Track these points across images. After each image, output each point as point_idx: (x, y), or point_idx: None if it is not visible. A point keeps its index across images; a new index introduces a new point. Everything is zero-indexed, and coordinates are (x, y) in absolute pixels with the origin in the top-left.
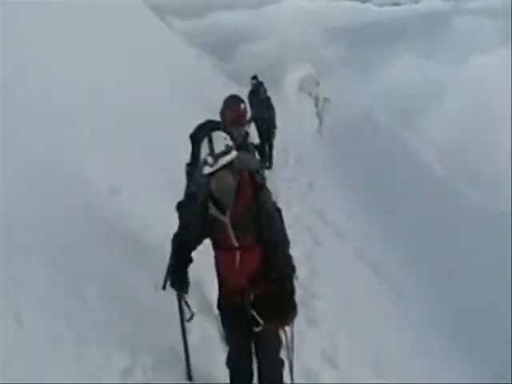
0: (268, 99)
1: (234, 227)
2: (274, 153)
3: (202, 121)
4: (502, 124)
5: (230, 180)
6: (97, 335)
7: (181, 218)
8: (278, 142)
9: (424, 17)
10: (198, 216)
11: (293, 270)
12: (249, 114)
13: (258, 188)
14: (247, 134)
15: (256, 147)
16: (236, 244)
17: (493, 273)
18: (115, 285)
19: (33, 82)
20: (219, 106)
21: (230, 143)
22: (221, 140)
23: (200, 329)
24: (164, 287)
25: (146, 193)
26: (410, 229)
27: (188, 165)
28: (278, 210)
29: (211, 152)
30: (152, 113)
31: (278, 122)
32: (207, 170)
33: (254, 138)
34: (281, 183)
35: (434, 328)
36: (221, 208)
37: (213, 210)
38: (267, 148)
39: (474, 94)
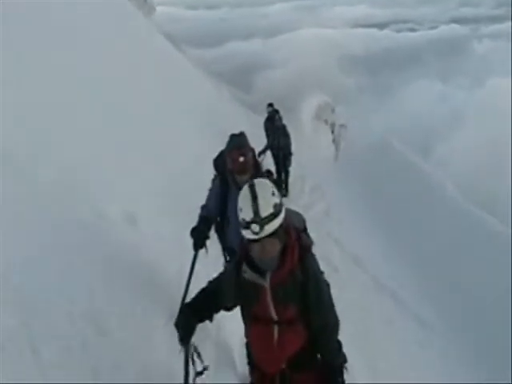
0: (284, 127)
1: (274, 295)
2: (290, 180)
3: (218, 149)
4: None
5: (276, 247)
6: (111, 369)
7: (195, 244)
8: (293, 169)
9: (441, 42)
10: (229, 282)
11: (344, 359)
12: (250, 159)
13: (305, 251)
14: (257, 167)
15: (272, 175)
16: (275, 317)
17: None
18: (131, 317)
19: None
20: (235, 132)
21: (278, 200)
22: (268, 196)
23: None
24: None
25: (162, 220)
26: (428, 256)
27: (202, 207)
28: (327, 284)
29: (255, 214)
30: (168, 141)
31: (294, 149)
32: (250, 236)
33: (270, 165)
34: (297, 210)
35: (457, 357)
36: (259, 270)
37: (249, 274)
38: (283, 175)
39: (493, 118)
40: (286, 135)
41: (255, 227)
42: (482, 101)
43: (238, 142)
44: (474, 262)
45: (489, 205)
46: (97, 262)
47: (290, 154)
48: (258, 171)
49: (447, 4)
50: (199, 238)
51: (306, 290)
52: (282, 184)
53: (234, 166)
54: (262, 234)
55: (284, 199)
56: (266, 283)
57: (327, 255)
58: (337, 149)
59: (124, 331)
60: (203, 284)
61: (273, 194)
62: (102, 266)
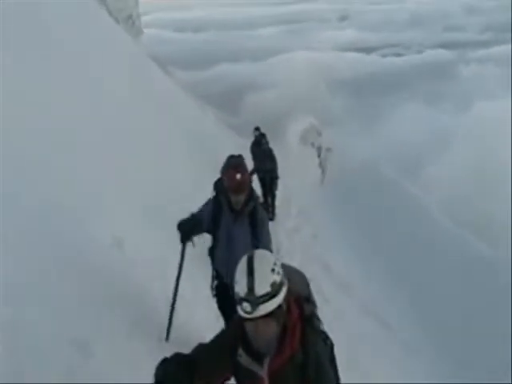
0: (270, 150)
1: (271, 383)
2: (277, 203)
3: (204, 173)
4: (507, 173)
5: (272, 329)
6: None
7: (182, 237)
8: (280, 192)
9: (428, 66)
10: (214, 360)
11: None
12: (247, 179)
13: (307, 322)
14: (252, 190)
15: (258, 199)
16: None
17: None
18: (117, 341)
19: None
20: (221, 157)
21: (279, 278)
22: (266, 272)
23: None
24: (167, 338)
25: (149, 244)
26: (414, 280)
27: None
28: (331, 347)
29: (250, 291)
30: (153, 164)
31: (280, 172)
32: (242, 313)
33: (257, 188)
34: (283, 234)
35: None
36: (256, 356)
37: (244, 359)
38: (270, 199)
39: (479, 142)
40: (273, 159)
41: (247, 306)
42: (468, 125)
43: (235, 161)
44: (460, 285)
45: (477, 228)
46: (83, 285)
47: (276, 177)
48: (252, 194)
49: (433, 29)
50: (186, 230)
51: (306, 372)
52: (268, 208)
53: (230, 184)
54: (256, 314)
55: (270, 223)
56: (263, 372)
57: (315, 280)
58: (323, 172)
59: (110, 355)
60: (192, 308)
61: (273, 270)
62: (89, 290)
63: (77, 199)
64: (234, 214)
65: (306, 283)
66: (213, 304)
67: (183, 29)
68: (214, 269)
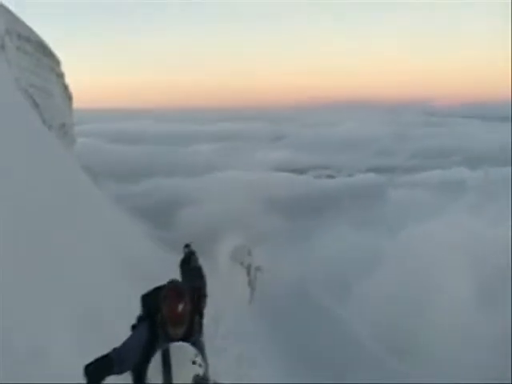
0: (199, 268)
1: None
2: (204, 322)
3: (131, 289)
4: (437, 295)
5: None
6: None
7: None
8: (207, 311)
9: (358, 189)
10: None
11: None
12: (188, 310)
13: None
14: (194, 325)
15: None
16: None
17: None
18: None
19: None
20: (149, 273)
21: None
22: (186, 367)
23: None
24: None
25: (75, 355)
26: None
27: (115, 350)
28: None
29: None
30: (80, 278)
31: (209, 291)
32: None
33: None
34: (210, 353)
35: None
36: None
37: None
38: (197, 318)
39: (407, 265)
40: (201, 277)
41: None
42: (397, 247)
43: (177, 289)
44: None
45: (405, 352)
46: None
47: (204, 295)
48: (193, 327)
49: (364, 153)
50: (94, 377)
51: None
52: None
53: (169, 315)
54: None
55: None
56: None
57: None
58: (252, 291)
59: None
60: None
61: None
62: None
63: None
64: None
65: None
66: None
67: (118, 140)
68: None
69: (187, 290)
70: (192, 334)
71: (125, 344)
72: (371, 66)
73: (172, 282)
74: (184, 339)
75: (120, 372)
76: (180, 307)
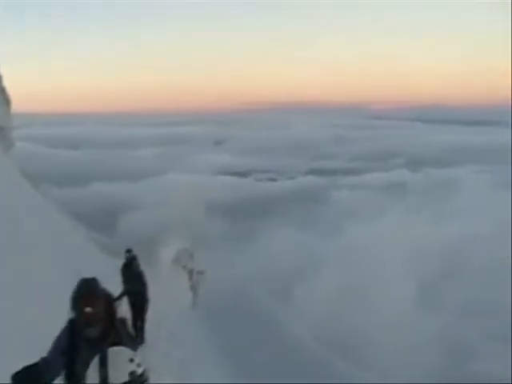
0: (140, 272)
1: None
2: (146, 326)
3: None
4: (379, 294)
5: None
6: None
7: None
8: (150, 315)
9: (300, 192)
10: None
11: None
12: (101, 311)
13: None
14: (112, 316)
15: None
16: None
17: None
18: None
19: None
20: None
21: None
22: (123, 366)
23: None
24: None
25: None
26: None
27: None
28: None
29: None
30: (19, 287)
31: (152, 295)
32: None
33: (127, 311)
34: (153, 358)
35: None
36: None
37: None
38: (139, 322)
39: (351, 265)
40: (143, 281)
41: None
42: (340, 248)
43: (86, 288)
44: None
45: (346, 351)
46: None
47: (146, 300)
48: (112, 322)
49: (306, 156)
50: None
51: None
52: (137, 330)
53: (79, 318)
54: None
55: (140, 347)
56: None
57: None
58: (194, 295)
59: None
60: None
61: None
62: None
63: None
64: (92, 347)
65: None
66: None
67: (58, 145)
68: None
69: (98, 290)
70: (109, 336)
71: (50, 349)
72: (315, 69)
73: (83, 283)
74: (103, 340)
75: (50, 379)
76: (88, 310)
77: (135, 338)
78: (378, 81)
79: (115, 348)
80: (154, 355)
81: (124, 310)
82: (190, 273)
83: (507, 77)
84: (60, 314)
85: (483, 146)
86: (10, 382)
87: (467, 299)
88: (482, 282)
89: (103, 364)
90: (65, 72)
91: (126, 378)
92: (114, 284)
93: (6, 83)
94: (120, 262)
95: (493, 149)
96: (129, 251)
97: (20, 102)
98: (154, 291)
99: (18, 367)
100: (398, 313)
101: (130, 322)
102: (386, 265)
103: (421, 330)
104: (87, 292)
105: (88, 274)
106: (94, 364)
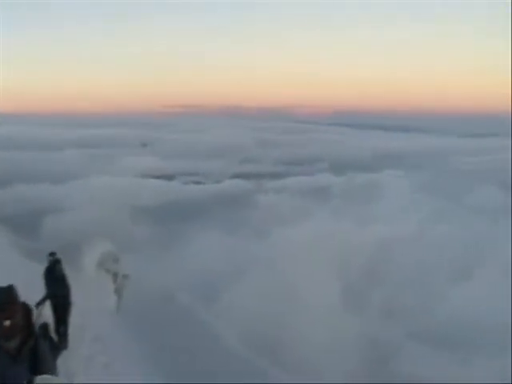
0: (63, 276)
1: None
2: (70, 330)
3: None
4: (305, 297)
5: None
6: None
7: None
8: (73, 319)
9: (227, 195)
10: None
11: None
12: (18, 322)
13: None
14: (30, 327)
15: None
16: None
17: None
18: None
19: None
20: (12, 283)
21: None
22: None
23: None
24: None
25: None
26: None
27: None
28: None
29: None
30: None
31: (75, 299)
32: None
33: (49, 315)
34: (77, 363)
35: None
36: None
37: None
38: (62, 326)
39: (276, 268)
40: (66, 285)
41: None
42: (267, 251)
43: (3, 298)
44: None
45: (272, 353)
46: None
47: (69, 303)
48: (30, 332)
49: (231, 160)
50: None
51: None
52: (60, 335)
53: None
54: None
55: (64, 352)
56: None
57: None
58: (119, 299)
59: None
60: None
61: None
62: None
63: None
64: (9, 355)
65: None
66: None
67: None
68: None
69: (16, 299)
70: (26, 344)
71: None
72: (242, 73)
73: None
74: (21, 351)
75: None
76: (7, 323)
77: (58, 343)
78: (303, 85)
79: (44, 376)
80: (77, 359)
81: (47, 314)
82: (115, 276)
83: (437, 84)
84: None
85: (405, 152)
86: None
87: (390, 299)
88: (403, 282)
89: None
90: None
91: None
92: (36, 288)
93: None
94: (43, 266)
95: (413, 154)
96: (52, 254)
97: None
98: (77, 295)
99: None
100: (323, 314)
101: (52, 327)
102: (311, 267)
103: (345, 330)
104: (5, 303)
105: (10, 280)
106: None
